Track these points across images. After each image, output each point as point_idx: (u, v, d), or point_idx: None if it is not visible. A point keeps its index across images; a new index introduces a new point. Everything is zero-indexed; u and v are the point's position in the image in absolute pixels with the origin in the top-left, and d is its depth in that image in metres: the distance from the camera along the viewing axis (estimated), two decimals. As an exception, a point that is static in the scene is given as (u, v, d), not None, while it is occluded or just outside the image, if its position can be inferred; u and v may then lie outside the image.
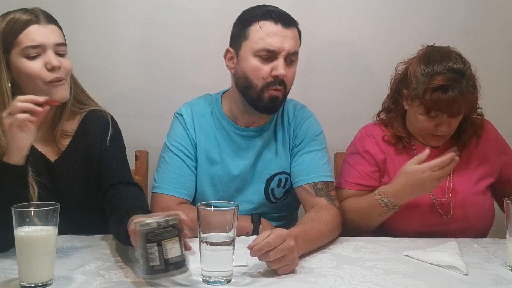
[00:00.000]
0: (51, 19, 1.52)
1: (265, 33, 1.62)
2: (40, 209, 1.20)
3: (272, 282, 1.24)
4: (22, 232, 1.18)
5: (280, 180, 1.77)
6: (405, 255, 1.45)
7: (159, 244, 1.11)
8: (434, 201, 1.71)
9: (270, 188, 1.77)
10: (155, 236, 1.11)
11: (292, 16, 1.68)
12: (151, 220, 1.12)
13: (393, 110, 1.80)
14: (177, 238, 1.13)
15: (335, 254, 1.47)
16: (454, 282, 1.27)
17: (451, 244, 1.51)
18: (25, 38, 1.47)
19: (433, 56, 1.67)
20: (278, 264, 1.28)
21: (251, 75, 1.65)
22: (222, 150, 1.76)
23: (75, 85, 1.62)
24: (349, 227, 1.69)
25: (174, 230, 1.13)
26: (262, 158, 1.76)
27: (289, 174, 1.76)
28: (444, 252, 1.44)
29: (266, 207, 1.78)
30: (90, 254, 1.43)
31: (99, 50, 2.21)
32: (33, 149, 1.49)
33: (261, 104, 1.67)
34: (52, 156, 1.57)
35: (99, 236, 1.58)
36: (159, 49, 2.25)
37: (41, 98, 1.35)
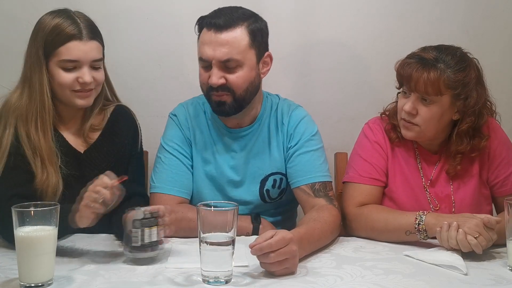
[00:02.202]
0: (94, 35, 1.60)
1: (201, 42, 1.66)
2: (40, 209, 1.20)
3: (272, 282, 1.24)
4: (22, 232, 1.18)
5: (275, 180, 1.76)
6: (405, 255, 1.45)
7: (142, 230, 1.35)
8: (431, 208, 1.70)
9: (265, 189, 1.76)
10: (139, 224, 1.35)
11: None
12: (138, 210, 1.37)
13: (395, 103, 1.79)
14: (155, 227, 1.37)
15: (335, 254, 1.47)
16: (454, 282, 1.27)
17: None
18: (65, 52, 1.56)
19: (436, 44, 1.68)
20: (277, 266, 1.28)
21: (199, 80, 1.72)
22: (215, 149, 1.77)
23: (108, 84, 1.73)
24: (349, 232, 1.68)
25: (155, 220, 1.38)
26: (255, 159, 1.76)
27: (284, 175, 1.76)
28: (444, 252, 1.43)
29: (261, 207, 1.77)
30: (90, 254, 1.43)
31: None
32: (64, 142, 1.62)
33: (212, 107, 1.71)
34: (81, 148, 1.66)
35: (99, 236, 1.58)
36: (159, 49, 2.25)
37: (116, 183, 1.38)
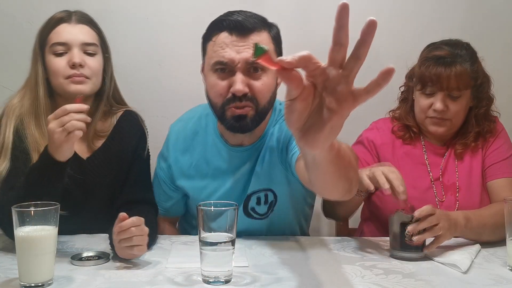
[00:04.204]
0: (83, 20, 1.59)
1: (218, 46, 1.46)
2: (40, 209, 1.20)
3: (272, 282, 1.24)
4: (22, 232, 1.18)
5: (258, 198, 1.62)
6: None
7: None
8: (436, 200, 1.72)
9: (249, 208, 1.63)
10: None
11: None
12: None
13: (404, 100, 1.83)
14: None
15: (335, 254, 1.46)
16: (454, 282, 1.27)
17: (473, 247, 1.49)
18: (54, 36, 1.54)
19: (439, 41, 1.75)
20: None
21: (210, 93, 1.51)
22: (213, 168, 1.64)
23: (113, 84, 1.68)
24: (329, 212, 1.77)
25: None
26: (241, 179, 1.62)
27: (269, 190, 1.61)
28: (456, 251, 1.44)
29: (255, 225, 1.64)
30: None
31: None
32: None
33: (226, 124, 1.51)
34: (84, 154, 1.61)
35: (99, 236, 1.58)
36: (159, 49, 2.25)
37: (85, 106, 1.36)
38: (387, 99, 1.84)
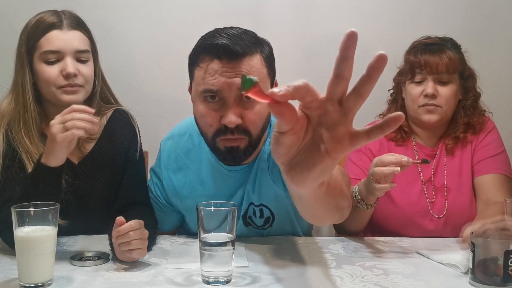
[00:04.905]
0: (76, 25, 1.52)
1: (207, 73, 1.34)
2: (40, 209, 1.20)
3: (272, 282, 1.24)
4: (22, 232, 1.18)
5: (254, 210, 1.57)
6: (417, 253, 1.46)
7: None
8: (427, 202, 1.73)
9: (247, 216, 1.58)
10: None
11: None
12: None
13: (394, 101, 1.84)
14: None
15: (335, 254, 1.46)
16: (454, 282, 1.26)
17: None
18: (45, 43, 1.48)
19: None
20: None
21: (200, 122, 1.42)
22: (208, 189, 1.56)
23: (104, 84, 1.63)
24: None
25: None
26: (236, 199, 1.54)
27: (264, 206, 1.56)
28: (457, 252, 1.43)
29: (252, 231, 1.60)
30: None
31: (99, 50, 2.20)
32: None
33: (219, 155, 1.44)
34: (75, 159, 1.58)
35: (99, 236, 1.57)
36: (159, 49, 2.25)
37: (91, 109, 1.35)
38: (383, 100, 1.85)
